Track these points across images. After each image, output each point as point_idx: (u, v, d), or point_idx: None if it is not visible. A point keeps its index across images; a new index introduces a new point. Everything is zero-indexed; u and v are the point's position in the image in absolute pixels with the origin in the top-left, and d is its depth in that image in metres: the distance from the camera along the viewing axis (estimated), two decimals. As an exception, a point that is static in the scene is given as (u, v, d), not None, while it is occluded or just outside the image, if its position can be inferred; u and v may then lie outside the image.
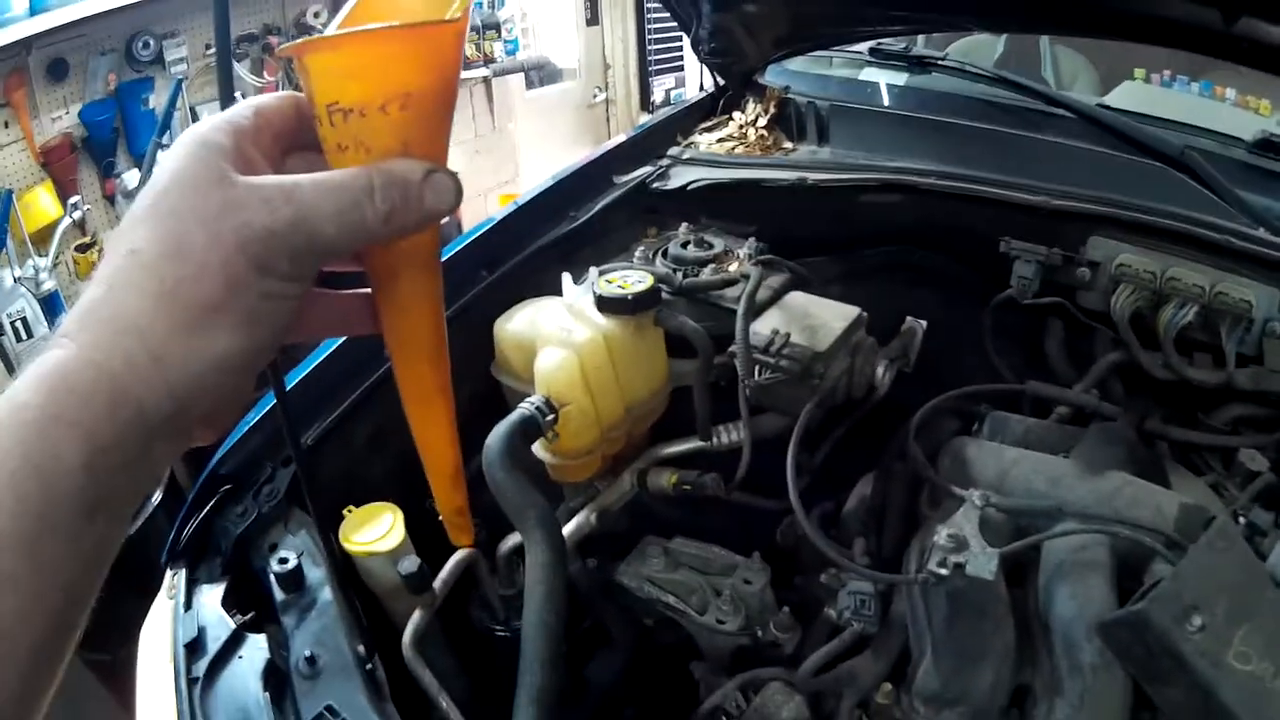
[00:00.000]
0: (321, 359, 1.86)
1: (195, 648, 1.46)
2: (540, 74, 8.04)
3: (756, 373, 1.74)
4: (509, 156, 7.56)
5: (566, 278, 1.95)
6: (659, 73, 8.58)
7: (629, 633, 1.91)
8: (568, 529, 1.82)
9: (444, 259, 1.97)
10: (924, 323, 2.04)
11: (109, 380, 0.61)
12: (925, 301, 2.21)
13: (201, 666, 1.43)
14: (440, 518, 0.98)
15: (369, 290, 0.82)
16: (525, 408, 1.64)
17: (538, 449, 1.75)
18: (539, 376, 1.71)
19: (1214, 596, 1.29)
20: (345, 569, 1.62)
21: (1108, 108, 2.54)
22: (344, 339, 1.88)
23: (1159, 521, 1.56)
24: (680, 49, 8.41)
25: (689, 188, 2.41)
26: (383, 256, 0.78)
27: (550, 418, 1.65)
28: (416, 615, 1.61)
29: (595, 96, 8.52)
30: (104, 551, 0.64)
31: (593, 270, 1.91)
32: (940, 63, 2.80)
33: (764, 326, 1.79)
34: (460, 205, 0.74)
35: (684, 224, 2.24)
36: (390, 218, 0.69)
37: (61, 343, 0.62)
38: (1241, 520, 1.60)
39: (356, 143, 0.71)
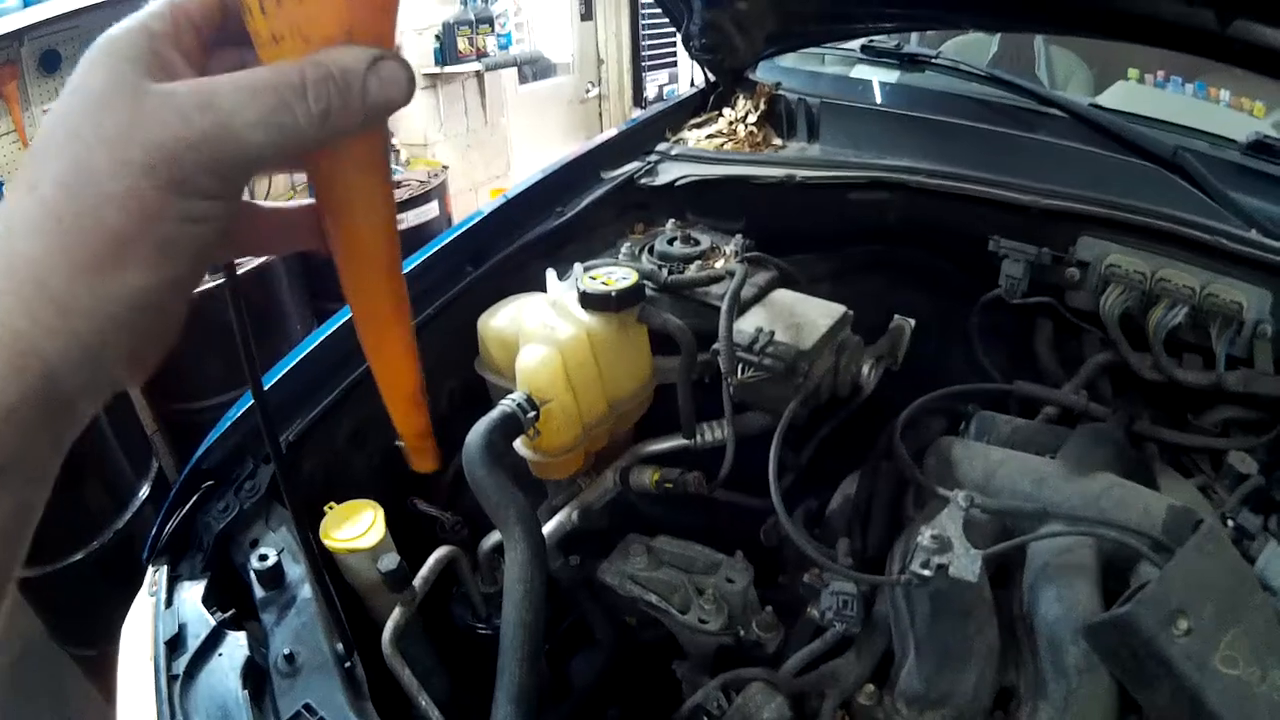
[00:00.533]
0: (302, 355, 1.85)
1: (175, 645, 1.45)
2: (533, 68, 8.05)
3: (740, 371, 1.74)
4: (501, 151, 7.55)
5: (551, 274, 1.94)
6: (652, 68, 8.61)
7: (611, 631, 1.90)
8: (549, 527, 1.81)
9: (429, 254, 1.98)
10: (912, 321, 2.03)
11: (11, 337, 0.56)
12: (913, 300, 2.21)
13: (181, 664, 1.42)
14: (400, 444, 0.93)
15: (311, 201, 0.76)
16: (506, 404, 1.63)
17: (519, 446, 1.73)
18: (521, 373, 1.70)
19: (1201, 600, 1.29)
20: (326, 566, 1.61)
21: (1100, 108, 2.53)
22: (325, 335, 1.87)
23: (1146, 524, 1.56)
24: (674, 45, 8.45)
25: (677, 184, 2.40)
26: (324, 160, 0.71)
27: (532, 415, 1.63)
28: (396, 613, 1.60)
29: (588, 92, 8.55)
30: (19, 518, 0.60)
31: (577, 266, 1.90)
32: (932, 61, 2.79)
33: (748, 324, 1.79)
34: (413, 96, 0.68)
35: (671, 220, 2.23)
36: (327, 118, 0.63)
37: None
38: (1230, 523, 1.60)
39: (294, 31, 0.63)
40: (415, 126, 6.64)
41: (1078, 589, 1.49)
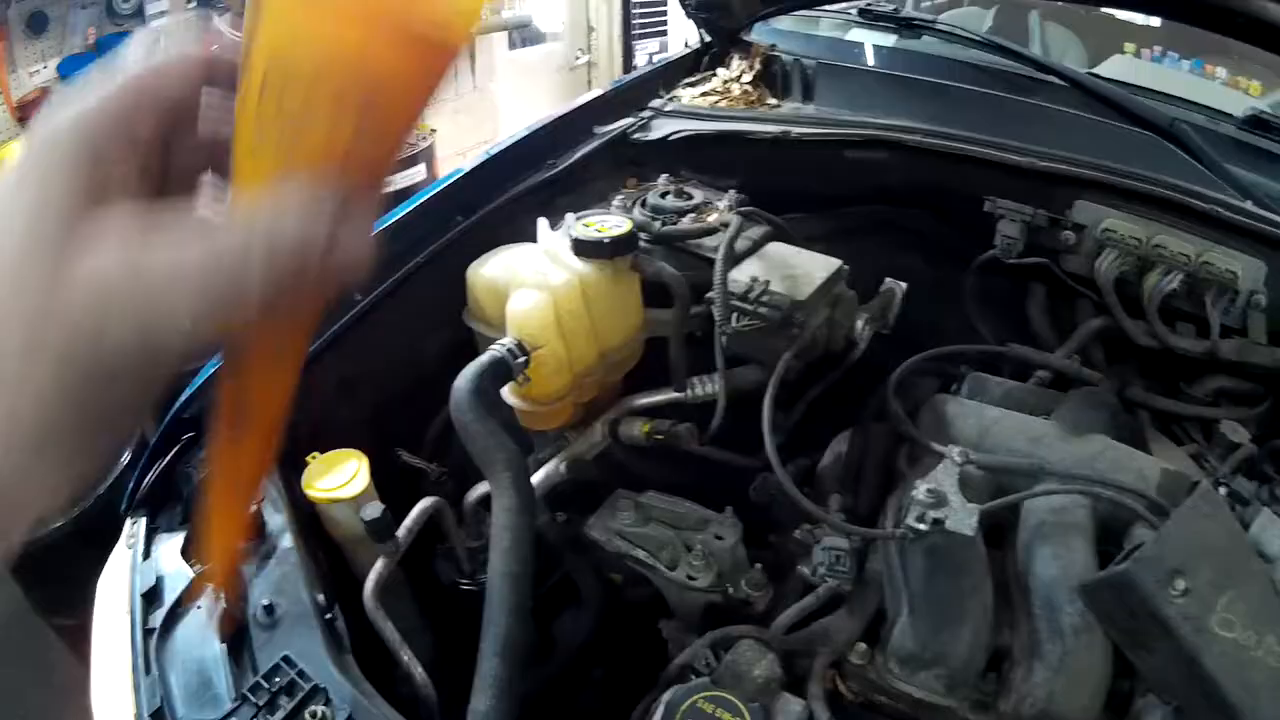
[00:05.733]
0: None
1: (153, 597, 1.43)
2: (523, 34, 7.99)
3: (734, 320, 1.72)
4: (489, 116, 7.50)
5: (543, 223, 1.92)
6: (642, 37, 8.56)
7: (597, 589, 1.89)
8: (537, 477, 1.79)
9: (418, 203, 1.95)
10: (904, 284, 2.02)
11: None
12: (908, 263, 2.20)
13: (158, 617, 1.39)
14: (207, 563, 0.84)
15: None
16: (496, 349, 1.61)
17: (508, 394, 1.72)
18: (511, 318, 1.68)
19: (1198, 562, 1.28)
20: (308, 518, 1.59)
21: (1099, 77, 2.52)
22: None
23: (1141, 485, 1.55)
24: (664, 14, 8.40)
25: (671, 138, 2.37)
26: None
27: (521, 360, 1.61)
28: (379, 564, 1.57)
29: (577, 59, 8.49)
30: None
31: (569, 215, 1.88)
32: (930, 26, 2.77)
33: (743, 274, 1.77)
34: (367, 277, 0.57)
35: (664, 175, 2.20)
36: (271, 305, 0.54)
37: None
38: (1223, 490, 1.59)
39: (282, 137, 0.55)
40: (403, 89, 6.60)
41: (1074, 549, 1.48)
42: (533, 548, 1.41)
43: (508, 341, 1.63)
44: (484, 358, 1.59)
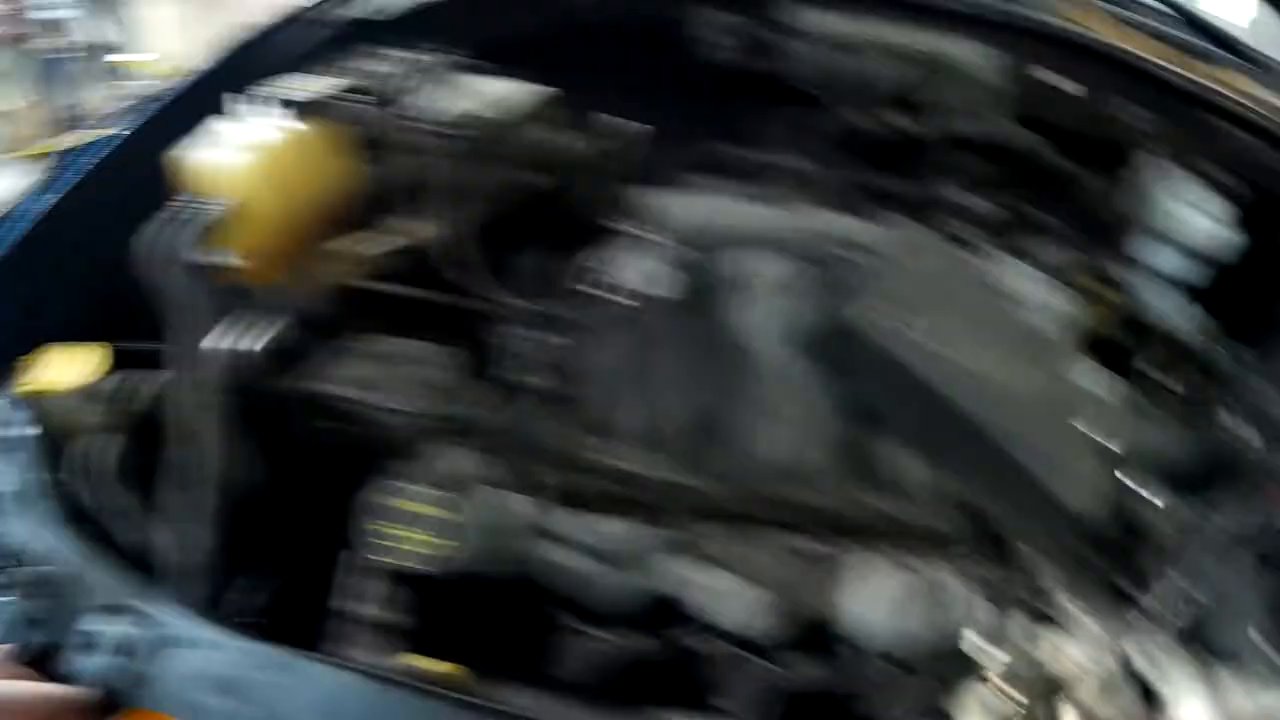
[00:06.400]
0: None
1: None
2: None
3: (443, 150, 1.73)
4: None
5: (245, 96, 1.89)
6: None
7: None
8: (255, 335, 1.75)
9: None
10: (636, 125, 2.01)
11: None
12: (630, 104, 2.16)
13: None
14: None
15: None
16: (196, 208, 1.61)
17: (215, 253, 1.67)
18: (212, 179, 1.67)
19: (921, 297, 1.29)
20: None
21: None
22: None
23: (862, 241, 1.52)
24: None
25: (390, 13, 2.32)
26: None
27: (220, 214, 1.61)
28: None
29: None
30: None
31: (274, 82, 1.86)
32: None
33: (449, 106, 1.78)
34: None
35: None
36: None
37: None
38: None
39: None
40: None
41: (786, 304, 1.44)
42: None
43: (212, 200, 1.63)
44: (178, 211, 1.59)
